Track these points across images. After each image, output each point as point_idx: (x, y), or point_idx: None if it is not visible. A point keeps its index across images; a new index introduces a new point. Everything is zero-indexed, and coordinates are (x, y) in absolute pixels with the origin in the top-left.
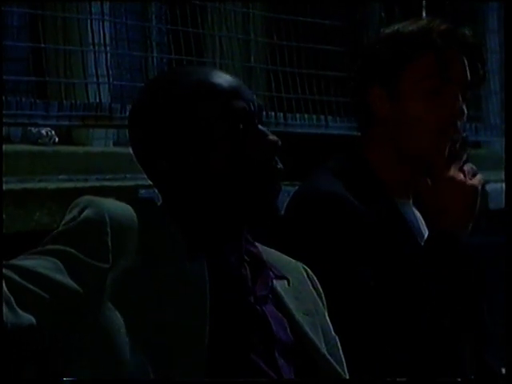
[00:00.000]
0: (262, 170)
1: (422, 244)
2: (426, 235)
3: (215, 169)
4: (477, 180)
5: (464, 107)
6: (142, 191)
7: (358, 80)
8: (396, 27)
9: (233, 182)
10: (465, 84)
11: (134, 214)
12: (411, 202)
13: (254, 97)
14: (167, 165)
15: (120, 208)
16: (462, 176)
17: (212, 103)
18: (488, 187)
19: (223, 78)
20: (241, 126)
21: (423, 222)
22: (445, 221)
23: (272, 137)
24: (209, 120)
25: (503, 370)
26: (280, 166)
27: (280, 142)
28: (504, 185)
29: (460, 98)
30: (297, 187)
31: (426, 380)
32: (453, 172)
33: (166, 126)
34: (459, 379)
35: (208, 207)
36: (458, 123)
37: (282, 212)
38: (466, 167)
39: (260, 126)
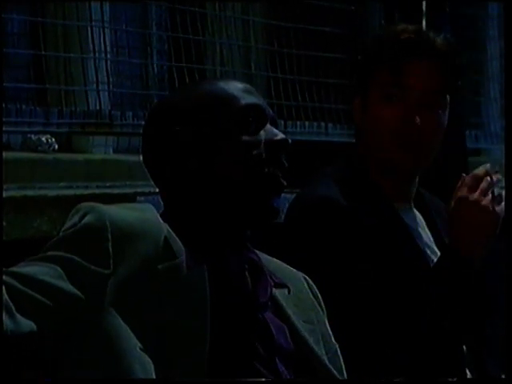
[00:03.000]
0: (266, 168)
1: (422, 247)
2: (425, 238)
3: (227, 174)
4: (500, 208)
5: (435, 114)
6: (141, 198)
7: (351, 89)
8: (378, 33)
9: (238, 182)
10: (428, 91)
11: (135, 220)
12: (412, 205)
13: (264, 101)
14: (176, 170)
15: (121, 214)
16: (488, 201)
17: (223, 112)
18: None
19: (233, 84)
20: (250, 126)
21: (425, 225)
22: (460, 241)
23: (281, 135)
24: (221, 128)
25: (503, 376)
26: (285, 164)
27: (290, 141)
28: (504, 192)
29: (419, 106)
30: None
31: (425, 380)
32: (478, 195)
33: (180, 133)
34: (458, 379)
35: (212, 213)
36: (429, 130)
37: (282, 217)
38: (495, 192)
39: (269, 125)
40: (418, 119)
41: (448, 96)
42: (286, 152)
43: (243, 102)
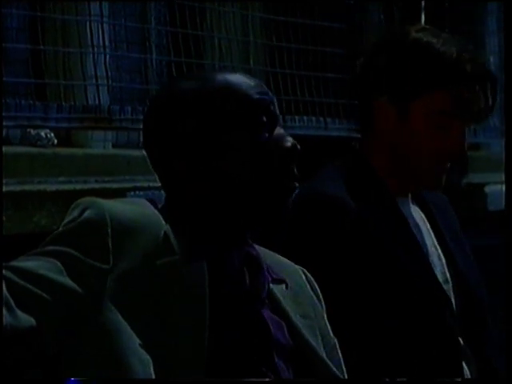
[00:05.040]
0: (278, 175)
1: (420, 241)
2: (423, 231)
3: (233, 172)
4: None
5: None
6: (140, 193)
7: (366, 84)
8: (422, 41)
9: (249, 185)
10: (473, 117)
11: (135, 215)
12: (410, 198)
13: (275, 99)
14: (185, 165)
15: (120, 209)
16: None
17: (234, 105)
18: (487, 189)
19: (246, 79)
20: (262, 128)
21: (423, 216)
22: None
23: (291, 141)
24: (230, 122)
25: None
26: (296, 172)
27: (299, 147)
28: (503, 186)
29: (466, 133)
30: (298, 189)
31: (425, 380)
32: None
33: (187, 126)
34: (459, 379)
35: (217, 210)
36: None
37: None
38: None
39: (280, 129)
40: (466, 145)
41: None
42: (296, 159)
43: (256, 97)
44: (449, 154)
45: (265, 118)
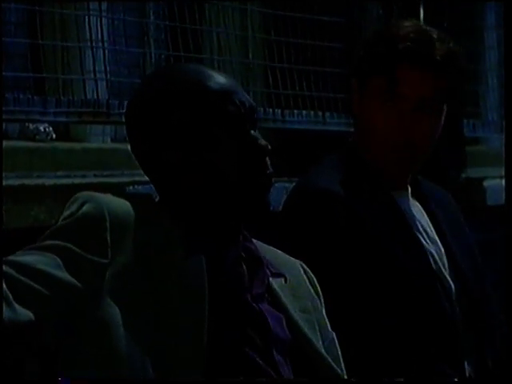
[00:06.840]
0: (251, 176)
1: (417, 235)
2: (421, 226)
3: (222, 165)
4: None
5: (428, 120)
6: (139, 187)
7: (350, 74)
8: (391, 30)
9: (234, 179)
10: (423, 99)
11: (133, 210)
12: (409, 192)
13: (247, 98)
14: (180, 156)
15: (119, 203)
16: None
17: (204, 107)
18: (486, 183)
19: (216, 80)
20: (247, 127)
21: (424, 213)
22: None
23: (262, 142)
24: (222, 116)
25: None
26: (270, 170)
27: (270, 147)
28: (502, 181)
29: (413, 113)
30: (294, 183)
31: (425, 380)
32: None
33: (182, 117)
34: (458, 379)
35: (209, 202)
36: (421, 137)
37: (279, 208)
38: None
39: (252, 132)
40: (410, 128)
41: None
42: (268, 158)
43: (243, 98)
44: (394, 137)
45: (235, 121)
